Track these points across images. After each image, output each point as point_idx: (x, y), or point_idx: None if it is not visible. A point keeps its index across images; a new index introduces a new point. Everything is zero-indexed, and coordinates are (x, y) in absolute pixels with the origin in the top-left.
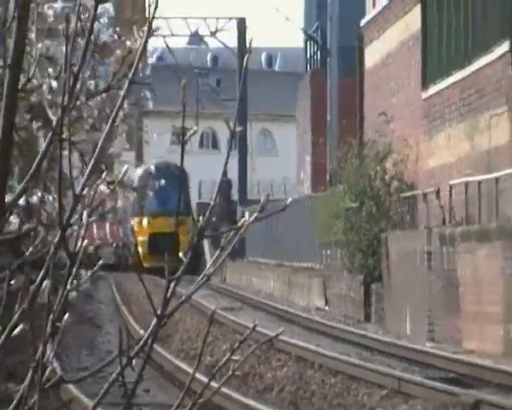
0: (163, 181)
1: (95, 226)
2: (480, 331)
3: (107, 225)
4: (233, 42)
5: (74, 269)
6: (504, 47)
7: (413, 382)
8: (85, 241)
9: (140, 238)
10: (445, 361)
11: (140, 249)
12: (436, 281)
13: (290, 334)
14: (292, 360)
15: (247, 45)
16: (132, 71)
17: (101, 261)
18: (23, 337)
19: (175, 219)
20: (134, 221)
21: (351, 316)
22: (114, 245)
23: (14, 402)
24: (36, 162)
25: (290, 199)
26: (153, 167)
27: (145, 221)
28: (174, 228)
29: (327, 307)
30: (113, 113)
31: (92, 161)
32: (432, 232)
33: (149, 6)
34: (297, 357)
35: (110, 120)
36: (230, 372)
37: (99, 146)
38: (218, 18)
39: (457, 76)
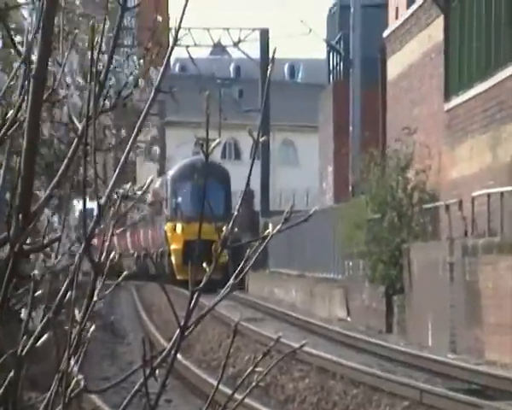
0: (203, 178)
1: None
2: (501, 343)
3: (150, 233)
4: (256, 53)
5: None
6: None
7: (435, 393)
8: (110, 251)
9: (173, 246)
10: (468, 373)
11: (173, 259)
12: (458, 292)
13: (312, 345)
14: (314, 370)
15: (270, 56)
16: (158, 79)
17: (125, 272)
18: (44, 347)
19: (214, 225)
20: (167, 227)
21: (373, 327)
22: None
23: None
24: (61, 170)
25: (313, 210)
26: (189, 165)
27: (179, 227)
28: (212, 235)
29: (349, 318)
30: (139, 121)
31: (117, 172)
32: (454, 243)
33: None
34: (319, 368)
35: (136, 129)
36: (254, 384)
37: (123, 156)
38: (241, 29)
39: (479, 88)
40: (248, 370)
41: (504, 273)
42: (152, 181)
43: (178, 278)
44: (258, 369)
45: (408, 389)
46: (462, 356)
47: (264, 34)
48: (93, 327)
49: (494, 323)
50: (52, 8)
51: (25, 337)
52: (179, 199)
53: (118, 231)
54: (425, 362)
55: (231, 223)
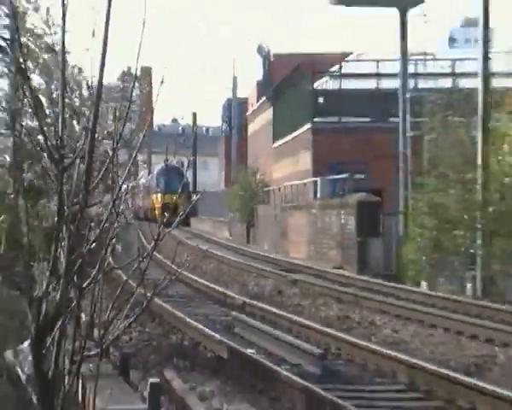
0: (172, 172)
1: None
2: (296, 249)
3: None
4: (190, 122)
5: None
6: (308, 125)
7: (267, 270)
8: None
9: (157, 205)
10: (281, 261)
11: (156, 212)
12: (277, 227)
13: (214, 248)
14: (215, 260)
15: (196, 125)
16: (144, 133)
17: (131, 215)
18: (95, 249)
19: (176, 196)
20: (153, 196)
21: (240, 242)
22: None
23: (90, 279)
24: (101, 172)
25: (213, 190)
26: (165, 166)
27: (160, 196)
28: (176, 201)
29: (230, 237)
30: (135, 152)
31: (126, 173)
32: (276, 206)
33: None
34: (217, 259)
35: (134, 154)
36: (187, 265)
37: (128, 166)
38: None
39: (288, 137)
40: (185, 259)
41: (297, 219)
42: (142, 177)
43: (158, 219)
44: (188, 258)
45: (255, 269)
46: (279, 255)
47: (195, 115)
48: (114, 240)
49: (293, 240)
50: (99, 96)
51: (85, 245)
52: (159, 183)
53: (134, 199)
54: (263, 257)
55: (179, 195)
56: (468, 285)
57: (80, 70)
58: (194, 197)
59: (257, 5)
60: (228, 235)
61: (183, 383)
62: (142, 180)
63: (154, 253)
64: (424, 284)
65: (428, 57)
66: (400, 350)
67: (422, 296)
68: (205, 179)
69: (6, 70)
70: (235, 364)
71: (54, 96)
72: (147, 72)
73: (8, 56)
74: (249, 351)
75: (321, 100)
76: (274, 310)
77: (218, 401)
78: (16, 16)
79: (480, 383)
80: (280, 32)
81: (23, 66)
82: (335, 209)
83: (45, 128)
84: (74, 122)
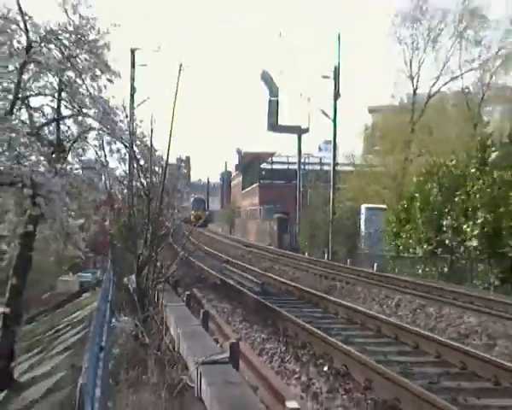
0: (199, 201)
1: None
2: (251, 237)
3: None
4: (205, 180)
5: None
6: (257, 184)
7: (237, 245)
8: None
9: (192, 217)
10: (244, 242)
11: (191, 219)
12: (244, 228)
13: (216, 237)
14: (220, 242)
15: (209, 181)
16: (180, 185)
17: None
18: (164, 235)
19: (201, 212)
20: (191, 213)
21: (226, 233)
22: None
23: (161, 247)
24: (164, 204)
25: (216, 210)
26: (196, 197)
27: (193, 212)
28: (200, 215)
29: (223, 232)
30: (183, 195)
31: (177, 202)
32: (243, 218)
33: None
34: (220, 242)
35: (180, 195)
36: (205, 244)
37: (178, 198)
38: (200, 179)
39: (248, 189)
40: (204, 241)
41: (252, 224)
42: (186, 205)
43: (193, 223)
44: (205, 239)
45: (233, 246)
46: (243, 239)
47: (208, 178)
48: (172, 230)
49: (249, 233)
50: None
51: (160, 232)
52: (193, 206)
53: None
54: (236, 240)
55: (202, 212)
56: (325, 255)
57: (161, 158)
58: (207, 213)
59: (233, 125)
60: (221, 230)
61: (200, 294)
62: (185, 204)
63: (191, 238)
64: (306, 254)
65: (310, 155)
66: (295, 282)
67: (305, 259)
68: (212, 206)
69: (127, 157)
70: (223, 287)
71: (147, 167)
72: (188, 158)
73: (127, 151)
74: (230, 281)
75: (263, 173)
76: (240, 263)
77: (216, 302)
78: (130, 133)
79: (330, 297)
80: (246, 140)
81: (134, 155)
82: (268, 221)
83: (143, 183)
84: (155, 180)
